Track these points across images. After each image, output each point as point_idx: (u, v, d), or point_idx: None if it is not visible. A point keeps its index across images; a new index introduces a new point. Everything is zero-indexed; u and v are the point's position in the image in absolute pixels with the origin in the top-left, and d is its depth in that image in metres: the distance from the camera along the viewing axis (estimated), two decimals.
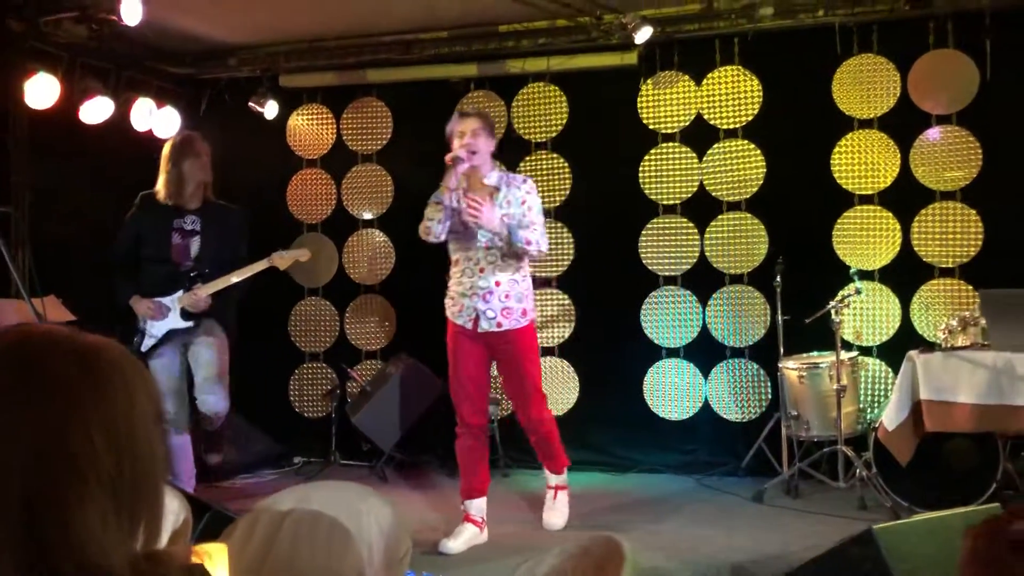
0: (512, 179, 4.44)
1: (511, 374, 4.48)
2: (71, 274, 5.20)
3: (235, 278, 4.68)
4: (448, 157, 4.27)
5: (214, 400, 4.76)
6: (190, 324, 4.69)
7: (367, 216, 6.27)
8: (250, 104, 5.92)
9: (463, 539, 4.30)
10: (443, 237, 4.31)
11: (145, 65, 5.86)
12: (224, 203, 4.90)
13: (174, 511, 2.50)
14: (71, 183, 5.49)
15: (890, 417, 4.20)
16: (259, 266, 4.75)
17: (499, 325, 4.31)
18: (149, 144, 5.67)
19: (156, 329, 4.67)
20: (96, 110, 5.22)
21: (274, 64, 6.05)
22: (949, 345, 4.40)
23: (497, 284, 4.29)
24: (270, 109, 5.96)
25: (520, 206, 4.32)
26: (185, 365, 4.78)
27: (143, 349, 4.62)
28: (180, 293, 4.67)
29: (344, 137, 6.28)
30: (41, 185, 5.34)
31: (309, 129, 6.33)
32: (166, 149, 4.75)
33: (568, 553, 1.94)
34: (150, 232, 4.69)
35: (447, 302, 4.46)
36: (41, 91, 4.90)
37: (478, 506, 4.42)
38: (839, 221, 5.42)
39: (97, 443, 1.00)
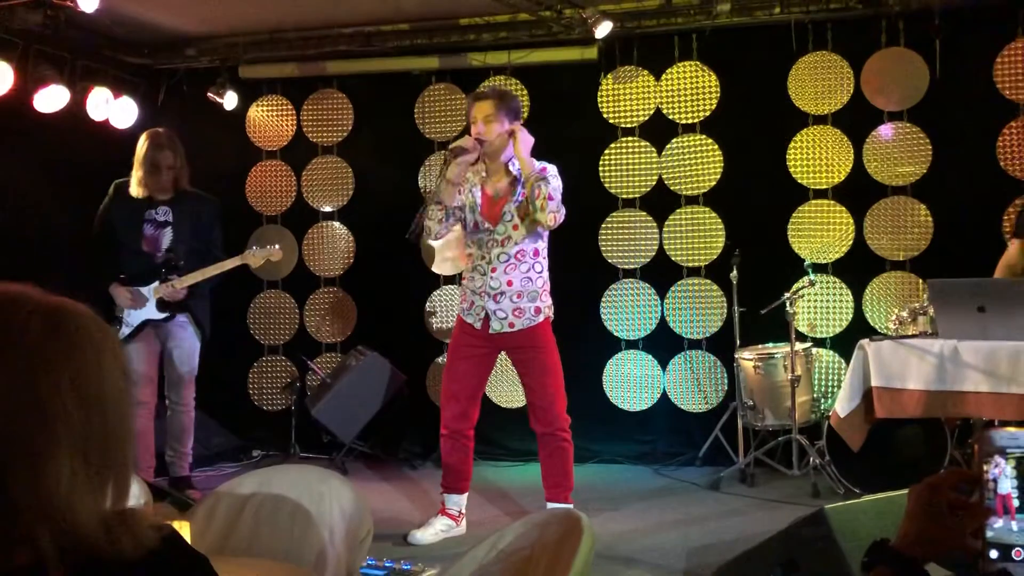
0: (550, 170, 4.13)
1: (530, 375, 4.21)
2: (22, 265, 5.12)
3: (209, 273, 4.74)
4: (450, 147, 4.04)
5: (183, 395, 4.92)
6: (165, 315, 4.77)
7: (327, 209, 6.25)
8: (209, 95, 5.87)
9: (432, 531, 4.27)
10: (444, 234, 4.17)
11: (102, 54, 5.78)
12: (198, 192, 4.94)
13: (135, 495, 2.50)
14: (23, 172, 5.40)
15: (842, 404, 4.30)
16: (232, 263, 4.81)
17: (511, 326, 4.14)
18: (105, 134, 5.62)
19: (132, 318, 4.75)
20: (51, 99, 5.14)
21: (233, 55, 6.01)
22: (899, 334, 4.51)
23: (509, 284, 4.12)
24: (229, 100, 5.91)
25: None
26: (158, 356, 4.89)
27: (123, 334, 4.70)
28: (156, 284, 4.74)
29: (304, 129, 6.25)
30: None
31: (269, 121, 6.30)
32: (141, 141, 4.80)
33: (528, 528, 1.98)
34: (122, 222, 4.77)
35: (460, 295, 4.33)
36: None
37: (456, 501, 4.35)
38: (794, 215, 5.52)
39: (67, 400, 1.01)
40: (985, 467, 1.19)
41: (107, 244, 4.78)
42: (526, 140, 4.06)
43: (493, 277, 4.12)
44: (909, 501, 1.23)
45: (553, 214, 4.03)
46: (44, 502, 0.99)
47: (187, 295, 4.76)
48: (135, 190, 4.76)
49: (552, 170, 4.14)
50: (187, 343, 4.89)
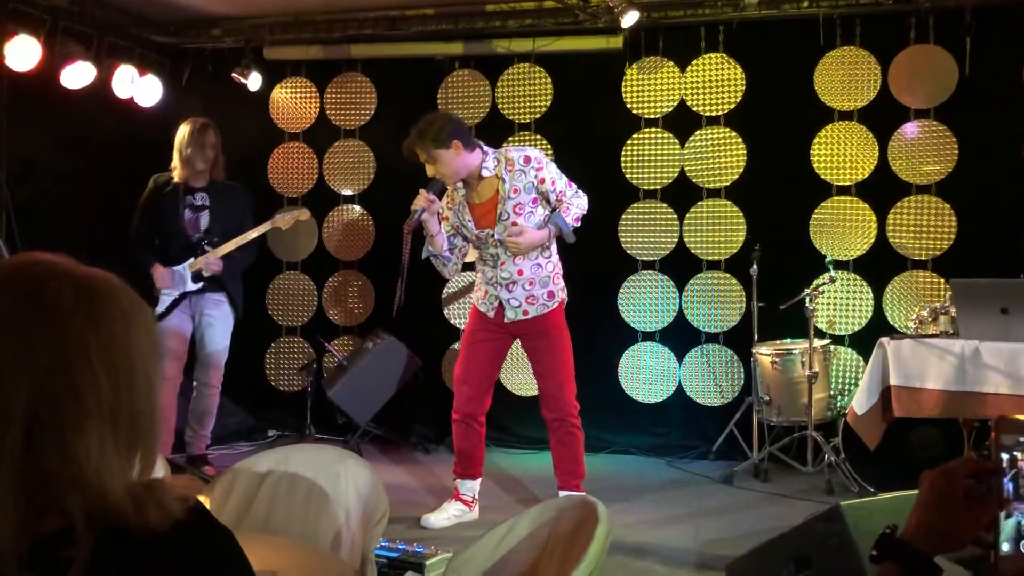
0: (509, 161, 4.08)
1: (542, 361, 4.22)
2: (45, 239, 5.17)
3: (241, 241, 4.94)
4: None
5: (212, 374, 5.06)
6: (199, 286, 4.95)
7: (348, 192, 6.26)
8: (233, 75, 5.88)
9: (446, 515, 4.30)
10: (459, 269, 4.37)
11: (128, 32, 5.80)
12: (227, 181, 5.12)
13: (157, 469, 2.53)
14: (48, 147, 5.45)
15: (860, 402, 4.28)
16: (263, 228, 5.03)
17: (525, 313, 4.16)
18: (129, 111, 5.65)
19: (169, 294, 4.93)
20: (78, 75, 5.18)
21: (258, 36, 6.02)
22: (919, 334, 4.48)
23: (520, 273, 4.13)
24: (253, 81, 5.92)
25: (540, 186, 4.08)
26: (189, 334, 5.02)
27: (157, 311, 4.87)
28: (191, 260, 4.93)
29: (327, 112, 6.26)
30: (19, 148, 5.29)
31: (292, 102, 6.31)
32: (180, 133, 4.95)
33: (545, 514, 1.99)
34: (163, 209, 4.95)
35: (476, 284, 4.36)
36: (22, 53, 4.85)
37: (470, 486, 4.38)
38: (816, 211, 5.49)
39: (97, 370, 1.02)
40: (1004, 455, 1.15)
41: (148, 232, 4.99)
42: (530, 238, 4.11)
43: (503, 269, 4.15)
44: (921, 490, 1.20)
45: (579, 215, 4.17)
46: (74, 470, 0.99)
47: (222, 272, 4.94)
48: (176, 175, 4.94)
49: (538, 157, 4.12)
50: (221, 322, 5.05)
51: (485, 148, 4.16)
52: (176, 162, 4.95)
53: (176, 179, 4.95)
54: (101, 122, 5.56)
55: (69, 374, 1.01)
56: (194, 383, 5.09)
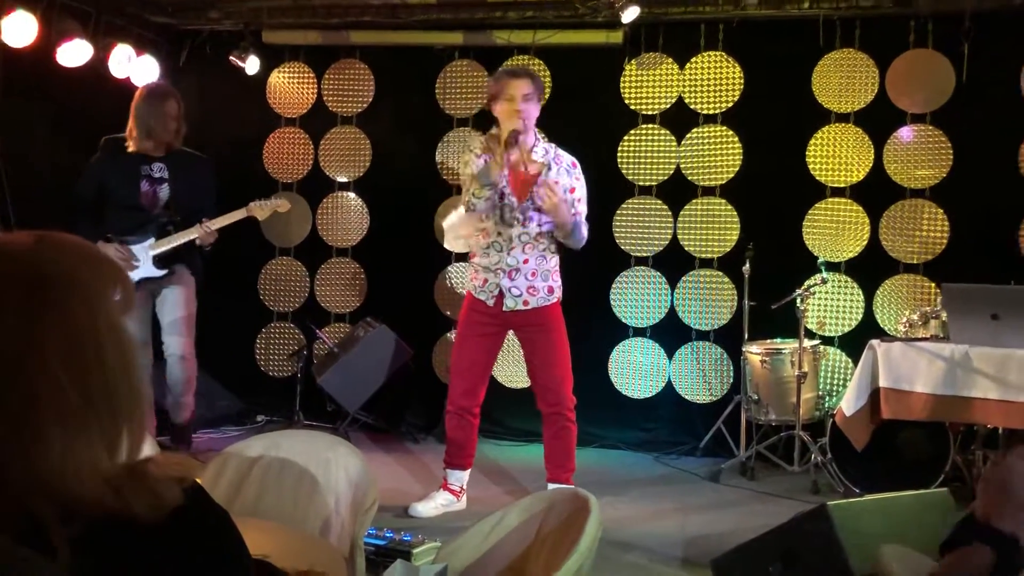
0: (559, 156, 4.18)
1: (540, 354, 4.21)
2: (38, 217, 5.13)
3: (214, 225, 4.69)
4: (509, 133, 3.96)
5: (179, 342, 4.80)
6: (163, 272, 4.72)
7: (343, 179, 6.25)
8: (231, 58, 5.85)
9: (433, 504, 4.29)
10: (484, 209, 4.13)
11: (126, 11, 5.76)
12: (190, 151, 4.90)
13: (144, 452, 2.52)
14: (43, 125, 5.41)
15: (849, 403, 4.30)
16: (237, 215, 4.78)
17: (525, 303, 4.15)
18: (126, 92, 5.60)
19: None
20: (74, 53, 5.13)
21: (257, 19, 5.99)
22: (909, 337, 4.51)
23: (525, 262, 4.13)
24: (251, 64, 5.89)
25: (570, 195, 4.13)
26: (151, 312, 4.81)
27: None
28: (151, 240, 4.68)
29: (324, 98, 6.24)
30: (14, 126, 5.25)
31: (289, 87, 6.29)
32: (136, 96, 4.75)
33: (535, 506, 1.99)
34: (117, 178, 4.68)
35: (470, 273, 4.30)
36: (19, 29, 4.81)
37: (458, 476, 4.37)
38: (810, 212, 5.50)
39: (54, 368, 0.97)
40: None
41: (94, 202, 4.69)
42: (564, 207, 4.05)
43: (511, 254, 4.13)
44: (988, 478, 1.20)
45: (583, 237, 4.20)
46: (36, 473, 0.95)
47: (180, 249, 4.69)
48: (131, 144, 4.67)
49: (579, 168, 4.23)
50: (180, 287, 4.78)
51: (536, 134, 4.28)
52: (133, 131, 4.63)
53: (128, 146, 4.64)
54: (96, 101, 5.51)
55: (22, 376, 0.96)
56: (165, 354, 4.85)
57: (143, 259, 4.66)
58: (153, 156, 4.72)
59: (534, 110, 4.08)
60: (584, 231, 4.20)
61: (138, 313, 4.63)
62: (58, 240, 1.06)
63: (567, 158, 4.24)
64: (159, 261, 4.69)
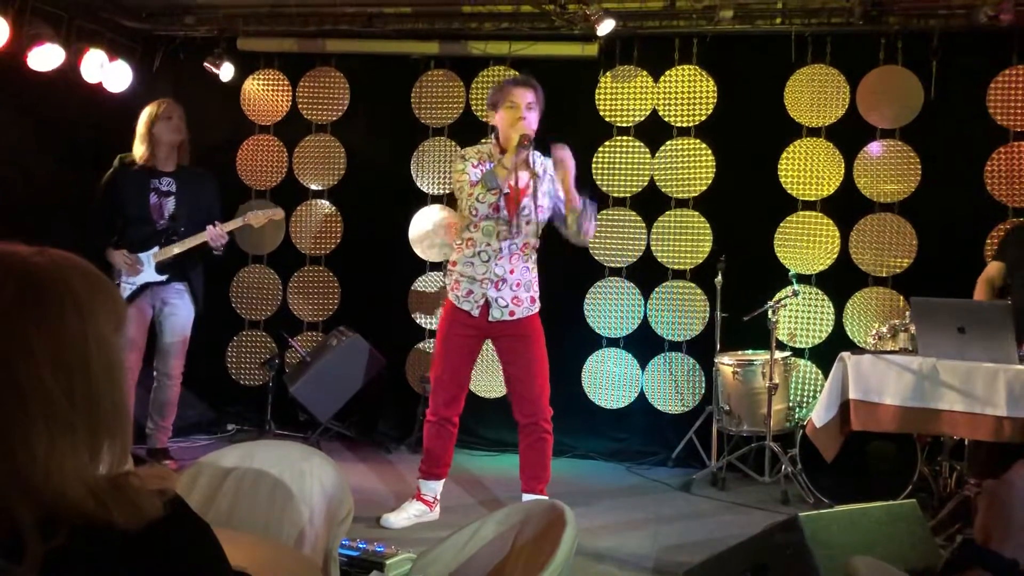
0: (546, 163, 4.19)
1: (520, 364, 4.20)
2: (7, 223, 5.07)
3: (205, 237, 4.86)
4: (521, 136, 3.97)
5: (174, 364, 5.02)
6: (164, 278, 4.91)
7: (316, 187, 6.23)
8: (205, 64, 5.82)
9: (405, 515, 4.27)
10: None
11: (99, 16, 5.72)
12: (198, 168, 5.09)
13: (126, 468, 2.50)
14: (13, 130, 5.35)
15: (819, 414, 4.35)
16: (235, 223, 4.97)
17: (512, 314, 4.14)
18: (98, 97, 5.56)
19: (130, 282, 4.88)
20: (45, 57, 5.09)
21: (232, 26, 5.96)
22: (878, 349, 4.57)
23: (511, 272, 4.13)
24: (226, 71, 5.87)
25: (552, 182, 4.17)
26: (148, 323, 4.98)
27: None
28: (155, 249, 4.88)
29: (299, 105, 6.22)
30: None
31: (264, 95, 6.26)
32: (143, 114, 4.90)
33: (511, 517, 2.00)
34: (129, 192, 4.87)
35: (450, 283, 4.23)
36: None
37: (432, 487, 4.35)
38: (781, 225, 5.57)
39: (42, 370, 0.97)
40: None
41: (108, 213, 4.89)
42: (573, 168, 4.05)
43: (499, 265, 4.12)
44: (988, 498, 1.22)
45: (590, 228, 4.16)
46: (19, 475, 0.95)
47: (182, 263, 4.92)
48: (140, 159, 4.87)
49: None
50: (183, 312, 5.00)
51: None
52: (140, 142, 4.85)
53: (140, 161, 4.85)
54: (68, 106, 5.47)
55: (10, 379, 0.96)
56: (155, 373, 5.02)
57: (147, 265, 4.87)
58: (161, 171, 4.92)
59: (535, 120, 4.10)
60: (593, 223, 4.12)
61: (136, 315, 4.83)
62: (56, 252, 1.07)
63: (551, 163, 4.21)
64: (161, 267, 4.88)
